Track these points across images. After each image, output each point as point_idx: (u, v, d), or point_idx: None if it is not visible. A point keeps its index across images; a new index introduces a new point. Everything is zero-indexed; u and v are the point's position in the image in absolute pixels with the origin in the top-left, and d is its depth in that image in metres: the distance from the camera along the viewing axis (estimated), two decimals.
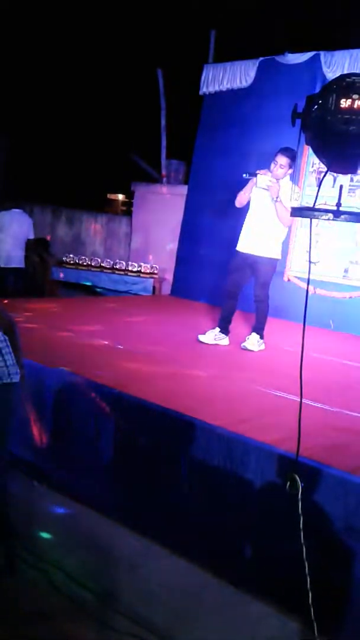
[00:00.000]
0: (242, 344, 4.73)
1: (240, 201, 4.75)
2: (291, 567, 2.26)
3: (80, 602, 2.53)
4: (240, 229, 4.78)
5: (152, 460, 3.05)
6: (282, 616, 2.47)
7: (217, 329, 4.79)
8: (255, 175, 4.55)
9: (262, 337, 4.80)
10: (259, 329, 4.81)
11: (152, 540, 2.93)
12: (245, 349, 4.70)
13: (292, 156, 4.50)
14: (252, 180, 4.59)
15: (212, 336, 4.75)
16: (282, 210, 4.47)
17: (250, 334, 4.81)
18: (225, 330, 4.80)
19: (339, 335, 5.94)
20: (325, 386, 3.87)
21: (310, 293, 6.24)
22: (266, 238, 4.63)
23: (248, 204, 4.73)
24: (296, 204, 4.57)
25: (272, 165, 4.51)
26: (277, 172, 4.49)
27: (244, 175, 4.66)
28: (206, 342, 4.72)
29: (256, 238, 4.65)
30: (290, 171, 4.62)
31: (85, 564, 2.78)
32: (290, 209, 4.45)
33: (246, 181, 4.63)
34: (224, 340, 4.78)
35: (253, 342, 4.74)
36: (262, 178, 4.51)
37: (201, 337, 4.75)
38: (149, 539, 2.94)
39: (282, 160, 4.47)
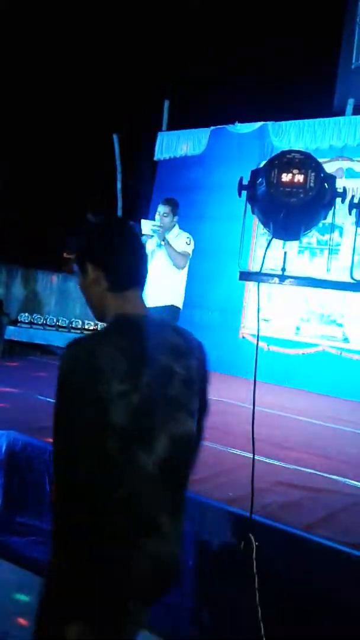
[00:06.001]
0: None
1: None
2: (249, 630, 2.23)
3: None
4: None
5: None
6: None
7: None
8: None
9: None
10: None
11: None
12: None
13: (173, 204, 4.76)
14: None
15: None
16: (172, 252, 4.64)
17: None
18: None
19: (292, 391, 6.05)
20: (280, 442, 3.92)
21: (263, 349, 6.39)
22: (162, 289, 4.54)
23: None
24: (190, 249, 4.72)
25: (157, 216, 4.77)
26: (164, 221, 4.71)
27: None
28: None
29: (153, 291, 4.48)
30: (176, 218, 4.79)
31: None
32: (186, 253, 4.67)
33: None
34: None
35: None
36: (146, 223, 4.65)
37: None
38: None
39: (161, 209, 4.74)
